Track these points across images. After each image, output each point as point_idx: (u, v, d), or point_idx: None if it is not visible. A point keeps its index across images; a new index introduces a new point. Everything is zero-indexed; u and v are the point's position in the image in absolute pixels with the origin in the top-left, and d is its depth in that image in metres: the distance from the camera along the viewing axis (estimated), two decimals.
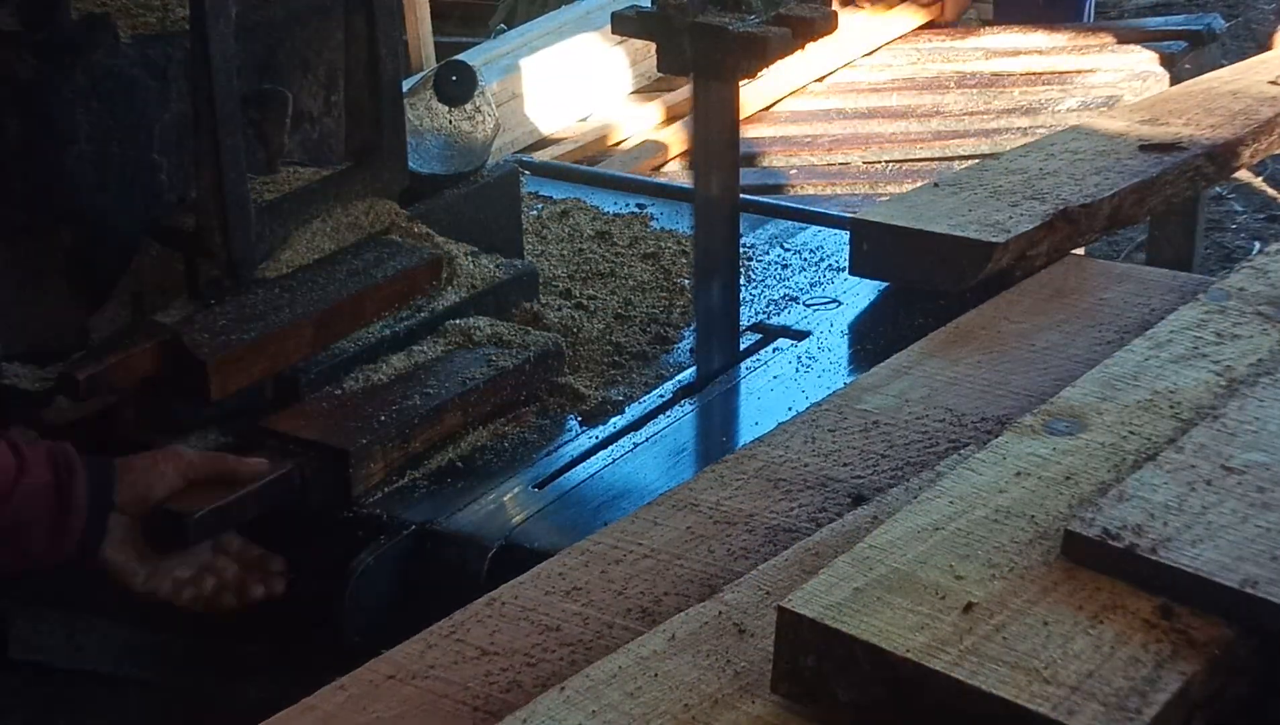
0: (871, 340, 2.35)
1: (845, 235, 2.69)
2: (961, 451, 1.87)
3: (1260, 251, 2.18)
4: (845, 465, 1.89)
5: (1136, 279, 2.33)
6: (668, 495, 1.86)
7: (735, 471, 1.90)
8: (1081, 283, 2.32)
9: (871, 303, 2.46)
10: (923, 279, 2.36)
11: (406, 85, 2.40)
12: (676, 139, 3.80)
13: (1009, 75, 4.08)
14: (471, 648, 1.62)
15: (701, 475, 1.91)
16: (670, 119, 3.89)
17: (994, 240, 2.29)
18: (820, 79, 4.14)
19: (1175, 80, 3.83)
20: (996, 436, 1.80)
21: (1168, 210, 2.69)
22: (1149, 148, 2.57)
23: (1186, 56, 3.96)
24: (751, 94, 3.91)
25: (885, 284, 2.48)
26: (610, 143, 3.80)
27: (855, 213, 2.51)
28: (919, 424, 1.98)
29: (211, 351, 1.99)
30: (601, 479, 2.04)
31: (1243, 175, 4.69)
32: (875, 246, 2.39)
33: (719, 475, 1.90)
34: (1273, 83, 2.90)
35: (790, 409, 2.11)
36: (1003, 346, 2.15)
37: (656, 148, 3.80)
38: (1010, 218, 2.36)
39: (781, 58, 2.08)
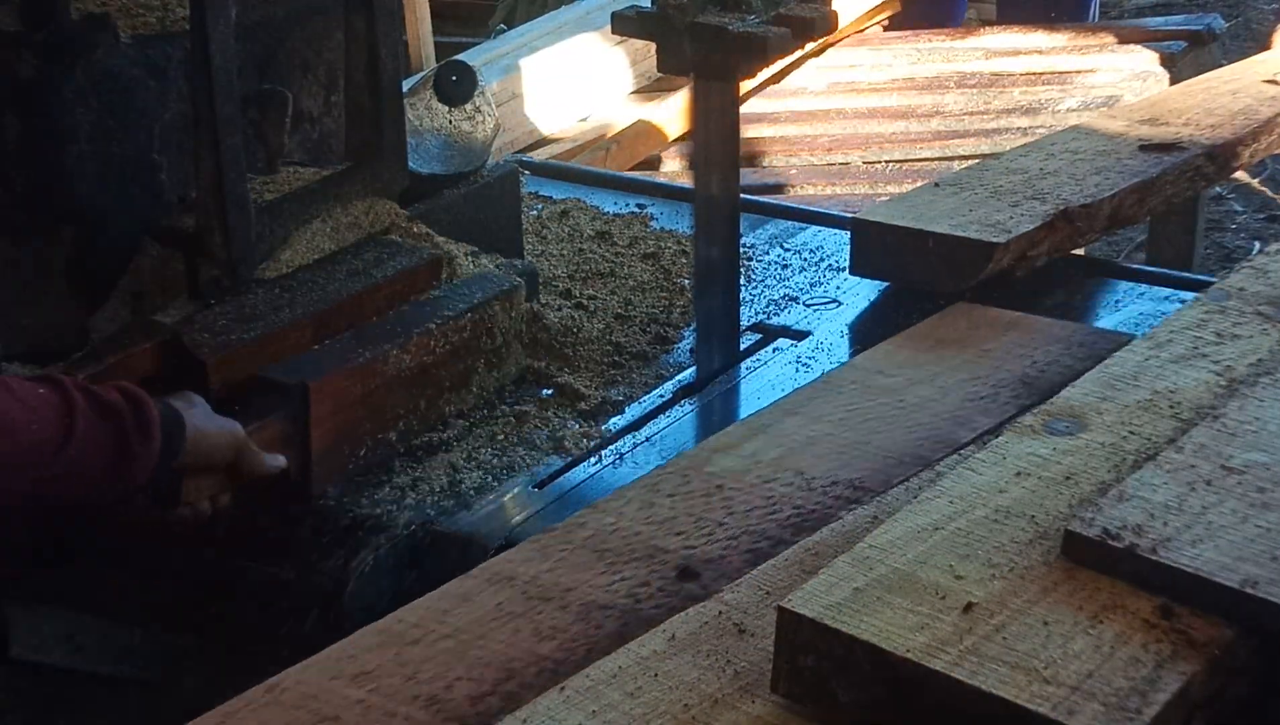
0: (872, 340, 2.35)
1: (845, 235, 2.69)
2: (805, 519, 1.79)
3: (1260, 251, 2.19)
4: (678, 534, 1.77)
5: (1023, 328, 2.22)
6: (485, 567, 1.76)
7: (561, 541, 1.79)
8: (965, 333, 2.21)
9: (871, 303, 2.46)
10: (923, 279, 2.36)
11: (406, 85, 2.40)
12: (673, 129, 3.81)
13: (1009, 75, 4.08)
14: None
15: (525, 544, 1.80)
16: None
17: (995, 240, 2.29)
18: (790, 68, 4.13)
19: (1175, 80, 3.83)
20: (848, 502, 1.80)
21: (1168, 210, 2.69)
22: (1149, 148, 2.58)
23: (1186, 56, 3.96)
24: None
25: (885, 284, 2.48)
26: (610, 144, 3.81)
27: (855, 213, 2.51)
28: (764, 488, 1.86)
29: (211, 351, 1.99)
30: (601, 479, 2.04)
31: (1242, 175, 4.69)
32: (876, 247, 2.39)
33: (542, 546, 1.79)
34: (1271, 81, 2.91)
35: None
36: (870, 401, 2.04)
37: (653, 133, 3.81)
38: (1011, 218, 2.36)
39: (781, 58, 2.08)
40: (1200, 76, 3.06)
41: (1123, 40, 4.12)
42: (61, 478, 1.74)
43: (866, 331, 2.38)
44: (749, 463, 1.91)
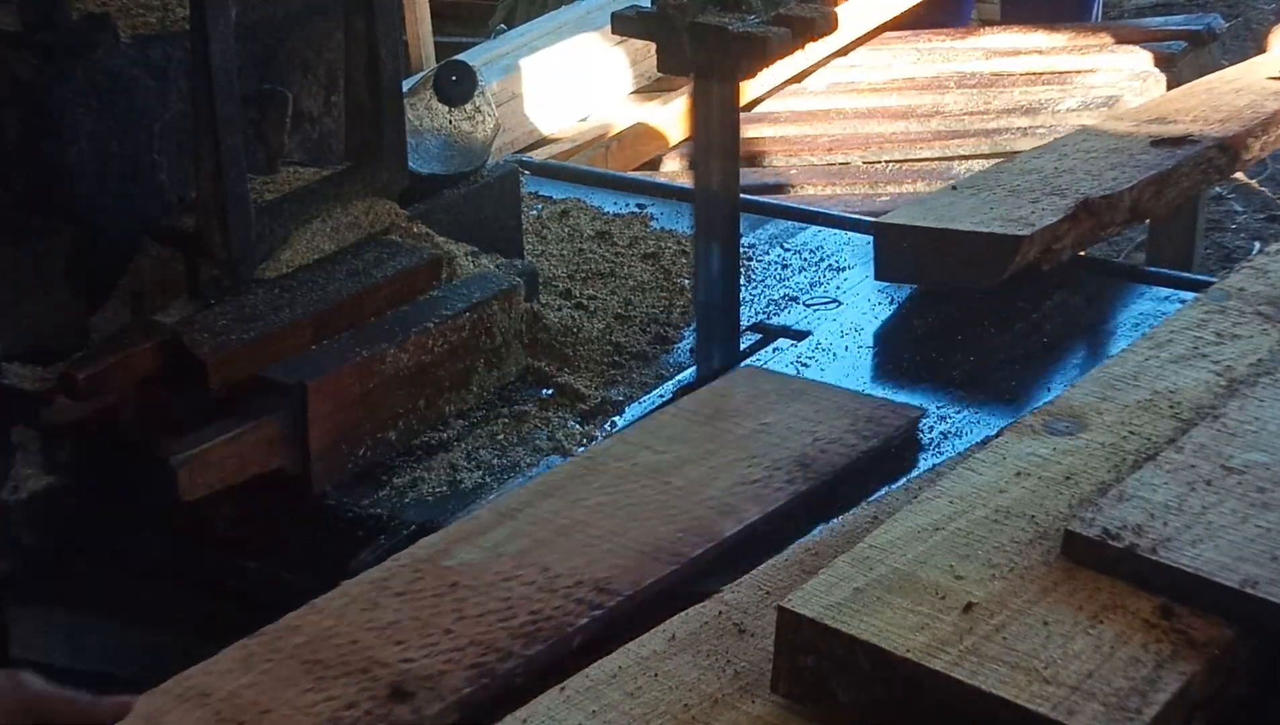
0: (871, 339, 2.36)
1: (845, 235, 2.70)
2: (540, 626, 1.65)
3: (1260, 251, 2.19)
4: (399, 644, 1.63)
5: (809, 398, 2.09)
6: (180, 679, 1.61)
7: (271, 648, 1.64)
8: (746, 402, 2.08)
9: (872, 303, 2.47)
10: (948, 279, 2.38)
11: (406, 85, 2.40)
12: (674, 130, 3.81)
13: (1009, 75, 4.07)
14: None
15: (231, 650, 1.65)
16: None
17: (1020, 233, 2.30)
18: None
19: (1175, 81, 3.83)
20: (591, 606, 1.67)
21: (1183, 203, 2.70)
22: (1160, 143, 2.59)
23: (1186, 57, 3.95)
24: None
25: (883, 284, 2.48)
26: (610, 142, 3.81)
27: (877, 218, 2.52)
28: (503, 587, 1.72)
29: (212, 351, 1.99)
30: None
31: (1241, 176, 4.69)
32: (900, 250, 2.40)
33: (248, 654, 1.64)
34: (1275, 79, 2.91)
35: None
36: (634, 483, 1.90)
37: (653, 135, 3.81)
38: (1033, 213, 2.37)
39: (781, 58, 2.08)
40: (1201, 79, 3.06)
41: (1123, 40, 4.12)
42: None
43: (867, 331, 2.39)
44: (491, 555, 1.77)
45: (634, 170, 3.59)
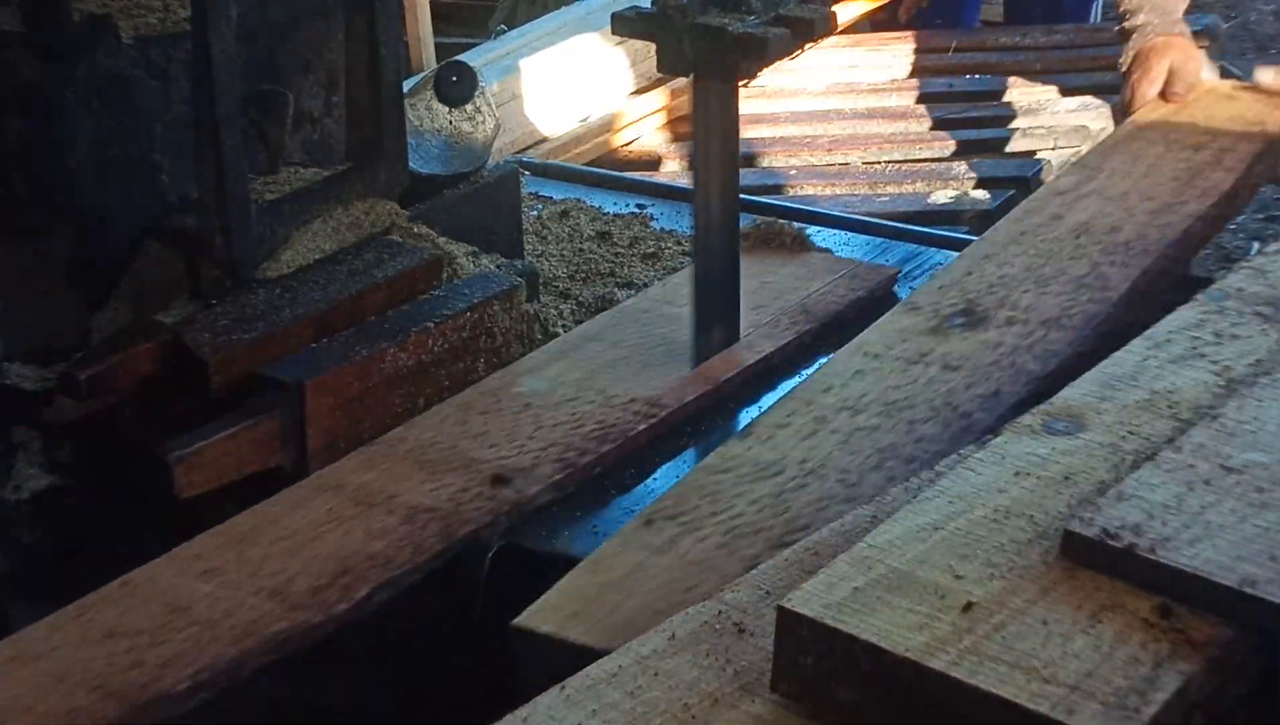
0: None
1: (846, 235, 2.71)
2: (607, 432, 2.04)
3: (1259, 251, 2.18)
4: (491, 447, 2.00)
5: (799, 263, 2.53)
6: (315, 477, 1.95)
7: (386, 453, 1.99)
8: (749, 266, 2.35)
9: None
10: None
11: (407, 86, 2.40)
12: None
13: (1009, 75, 4.08)
14: (99, 629, 1.67)
15: (351, 456, 1.99)
16: (671, 119, 3.90)
17: None
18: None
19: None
20: (646, 417, 2.08)
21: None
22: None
23: None
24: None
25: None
26: (611, 145, 3.81)
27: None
28: (569, 406, 2.09)
29: (213, 351, 1.99)
30: (601, 478, 2.04)
31: None
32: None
33: (368, 458, 1.98)
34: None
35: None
36: (663, 329, 2.30)
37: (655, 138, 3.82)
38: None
39: (781, 58, 2.08)
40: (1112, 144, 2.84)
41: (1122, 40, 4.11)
42: None
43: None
44: (554, 383, 2.15)
45: (633, 169, 3.60)
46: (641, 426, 2.06)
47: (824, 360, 2.15)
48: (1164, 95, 2.99)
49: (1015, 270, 2.32)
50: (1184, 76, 2.98)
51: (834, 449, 1.91)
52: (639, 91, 3.94)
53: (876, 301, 2.42)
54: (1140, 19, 3.05)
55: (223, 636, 1.65)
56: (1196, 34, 4.01)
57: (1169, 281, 2.33)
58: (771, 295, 2.39)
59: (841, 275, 2.46)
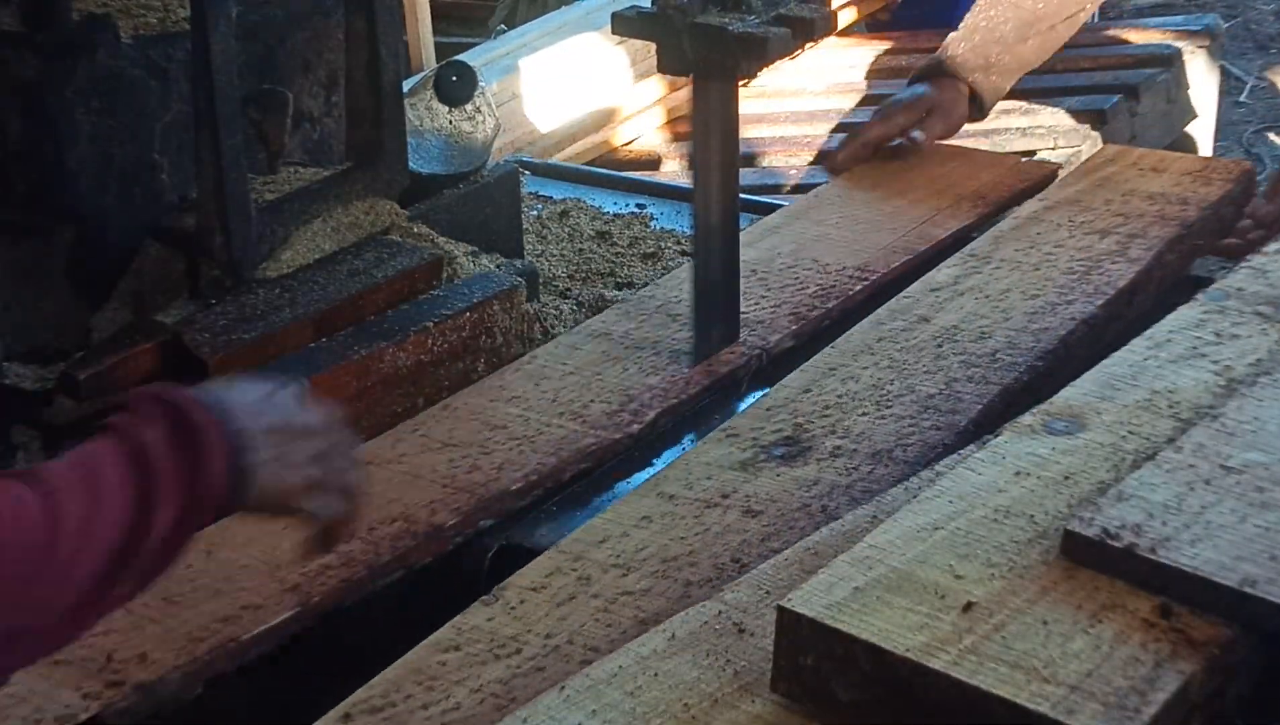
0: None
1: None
2: (828, 293, 2.35)
3: (1259, 251, 2.18)
4: None
5: (963, 158, 2.79)
6: (584, 326, 2.29)
7: (639, 308, 2.34)
8: (913, 165, 2.76)
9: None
10: None
11: (407, 85, 2.40)
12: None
13: None
14: (435, 441, 2.00)
15: (610, 311, 2.34)
16: (671, 119, 3.90)
17: None
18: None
19: (1175, 80, 3.83)
20: (860, 280, 2.37)
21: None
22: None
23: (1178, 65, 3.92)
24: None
25: None
26: (610, 144, 3.81)
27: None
28: (790, 272, 2.42)
29: (212, 351, 1.99)
30: (601, 478, 2.03)
31: None
32: None
33: (625, 310, 2.33)
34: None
35: None
36: (857, 211, 2.62)
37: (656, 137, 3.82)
38: None
39: (781, 58, 2.08)
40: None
41: (1122, 41, 4.12)
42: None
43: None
44: (771, 254, 2.48)
45: (633, 169, 3.60)
46: (856, 287, 2.38)
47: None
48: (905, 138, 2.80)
49: (860, 386, 2.07)
50: (932, 130, 2.78)
51: (589, 620, 1.64)
52: (638, 91, 3.93)
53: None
54: (950, 43, 2.85)
55: (540, 448, 1.97)
56: (1196, 34, 4.03)
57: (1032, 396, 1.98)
58: (945, 184, 2.69)
59: (1005, 168, 2.73)
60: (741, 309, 2.26)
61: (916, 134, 2.79)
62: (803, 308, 2.32)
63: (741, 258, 2.26)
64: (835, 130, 3.82)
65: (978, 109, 2.84)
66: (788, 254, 2.47)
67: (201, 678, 1.63)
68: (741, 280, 2.26)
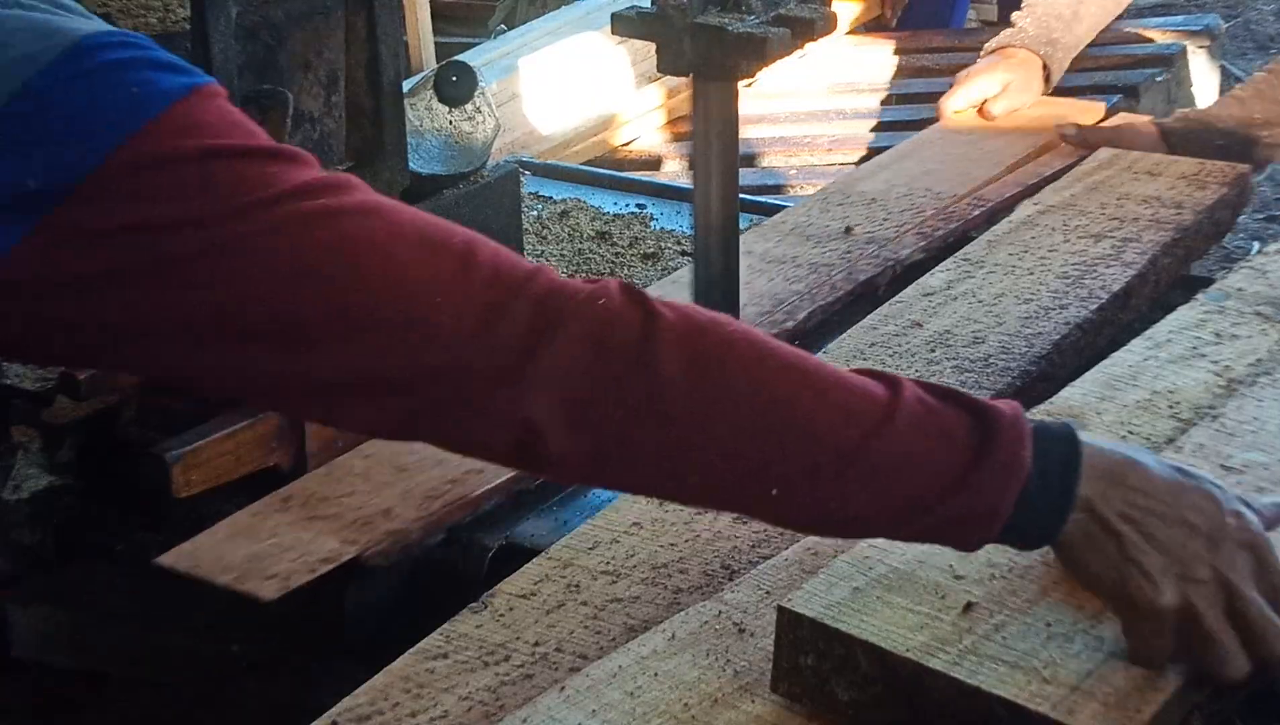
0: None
1: None
2: (945, 218, 2.58)
3: (1260, 251, 2.18)
4: (856, 224, 2.60)
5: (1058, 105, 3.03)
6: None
7: (774, 230, 2.60)
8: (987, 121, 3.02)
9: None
10: None
11: (407, 85, 2.40)
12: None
13: None
14: None
15: (748, 233, 2.51)
16: (671, 119, 3.89)
17: None
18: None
19: (1175, 80, 3.83)
20: (974, 206, 2.63)
21: None
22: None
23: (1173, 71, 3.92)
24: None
25: None
26: (610, 144, 3.81)
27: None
28: (906, 200, 2.68)
29: None
30: None
31: None
32: None
33: (762, 232, 2.58)
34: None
35: None
36: (956, 151, 2.87)
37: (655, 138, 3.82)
38: None
39: (781, 58, 2.08)
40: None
41: (1122, 40, 4.11)
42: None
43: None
44: (888, 186, 2.74)
45: (633, 169, 3.60)
46: (975, 212, 2.64)
47: None
48: (980, 109, 3.03)
49: None
50: (1011, 98, 3.02)
51: (577, 627, 1.63)
52: (639, 92, 3.93)
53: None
54: (1017, 18, 3.11)
55: None
56: (1196, 34, 4.03)
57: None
58: (1022, 130, 2.96)
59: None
60: (868, 230, 2.57)
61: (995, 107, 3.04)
62: (925, 228, 2.59)
63: (860, 188, 2.69)
64: (835, 131, 3.83)
65: (1046, 82, 3.10)
66: (902, 185, 2.74)
67: (442, 526, 1.91)
68: (863, 207, 2.64)
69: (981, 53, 3.18)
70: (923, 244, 2.55)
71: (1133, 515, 1.28)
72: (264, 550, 1.83)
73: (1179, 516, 1.29)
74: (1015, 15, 3.15)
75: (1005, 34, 3.15)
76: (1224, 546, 1.29)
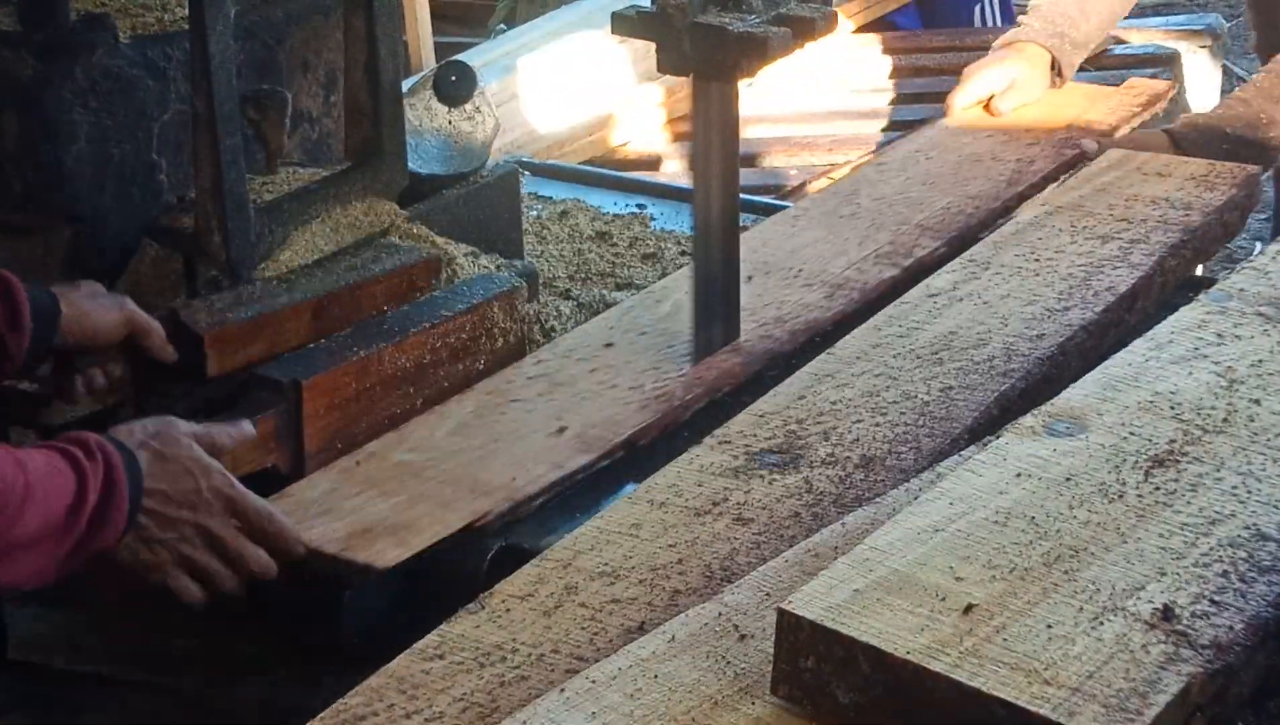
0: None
1: None
2: (994, 205, 2.64)
3: (1260, 252, 2.18)
4: (919, 206, 2.69)
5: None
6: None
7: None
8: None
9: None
10: None
11: (406, 85, 2.40)
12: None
13: None
14: None
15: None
16: (671, 119, 3.90)
17: None
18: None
19: (1177, 80, 3.82)
20: (990, 200, 2.64)
21: None
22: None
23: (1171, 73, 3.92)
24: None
25: None
26: (610, 144, 3.81)
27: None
28: (908, 199, 2.70)
29: (209, 326, 1.98)
30: (602, 478, 2.03)
31: None
32: None
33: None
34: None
35: None
36: (964, 151, 2.89)
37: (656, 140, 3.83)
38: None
39: (781, 57, 2.08)
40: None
41: (1123, 40, 4.11)
42: None
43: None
44: (903, 186, 2.75)
45: (632, 169, 3.60)
46: (978, 217, 2.65)
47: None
48: (987, 105, 3.03)
49: (854, 393, 2.03)
50: (1018, 93, 3.02)
51: (574, 628, 1.61)
52: (639, 90, 3.93)
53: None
54: (1026, 19, 3.11)
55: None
56: (1198, 34, 4.03)
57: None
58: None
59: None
60: (869, 230, 2.58)
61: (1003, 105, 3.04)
62: (930, 227, 2.61)
63: (863, 190, 2.74)
64: (835, 130, 3.83)
65: (1057, 75, 3.09)
66: (904, 185, 2.76)
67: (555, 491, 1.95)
68: (867, 207, 2.67)
69: (991, 50, 3.18)
70: (927, 245, 2.54)
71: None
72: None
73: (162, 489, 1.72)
74: (1022, 16, 3.18)
75: (1012, 31, 3.15)
76: (200, 500, 1.73)
